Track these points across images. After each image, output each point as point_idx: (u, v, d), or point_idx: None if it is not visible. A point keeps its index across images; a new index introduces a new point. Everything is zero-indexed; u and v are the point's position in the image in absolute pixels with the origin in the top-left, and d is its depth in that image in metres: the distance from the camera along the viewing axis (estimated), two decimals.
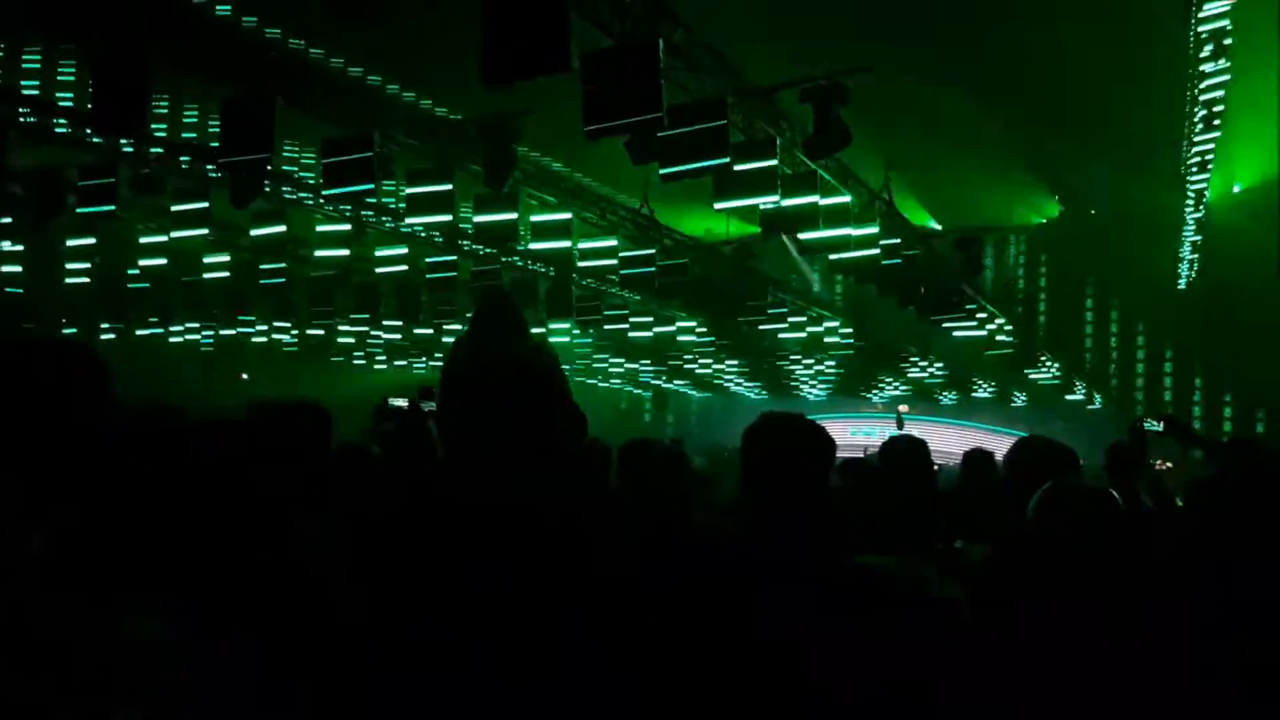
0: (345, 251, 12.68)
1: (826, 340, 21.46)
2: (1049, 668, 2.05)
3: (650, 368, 30.02)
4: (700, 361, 28.58)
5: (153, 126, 9.81)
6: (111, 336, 21.17)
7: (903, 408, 33.98)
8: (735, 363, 28.20)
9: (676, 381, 33.78)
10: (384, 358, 26.87)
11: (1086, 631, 2.09)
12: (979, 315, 18.26)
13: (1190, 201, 20.64)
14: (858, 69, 8.59)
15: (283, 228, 11.74)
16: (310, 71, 9.76)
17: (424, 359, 26.41)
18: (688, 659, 2.09)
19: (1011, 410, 35.33)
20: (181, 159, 11.19)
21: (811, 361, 28.41)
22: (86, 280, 14.79)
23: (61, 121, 10.15)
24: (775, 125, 9.59)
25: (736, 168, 8.74)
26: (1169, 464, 6.77)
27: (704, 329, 21.40)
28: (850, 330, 22.13)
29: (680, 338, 21.18)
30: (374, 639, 2.26)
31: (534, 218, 12.20)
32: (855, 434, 36.05)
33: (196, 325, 21.06)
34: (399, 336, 21.50)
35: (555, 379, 4.05)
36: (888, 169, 12.89)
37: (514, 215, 11.12)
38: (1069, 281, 29.77)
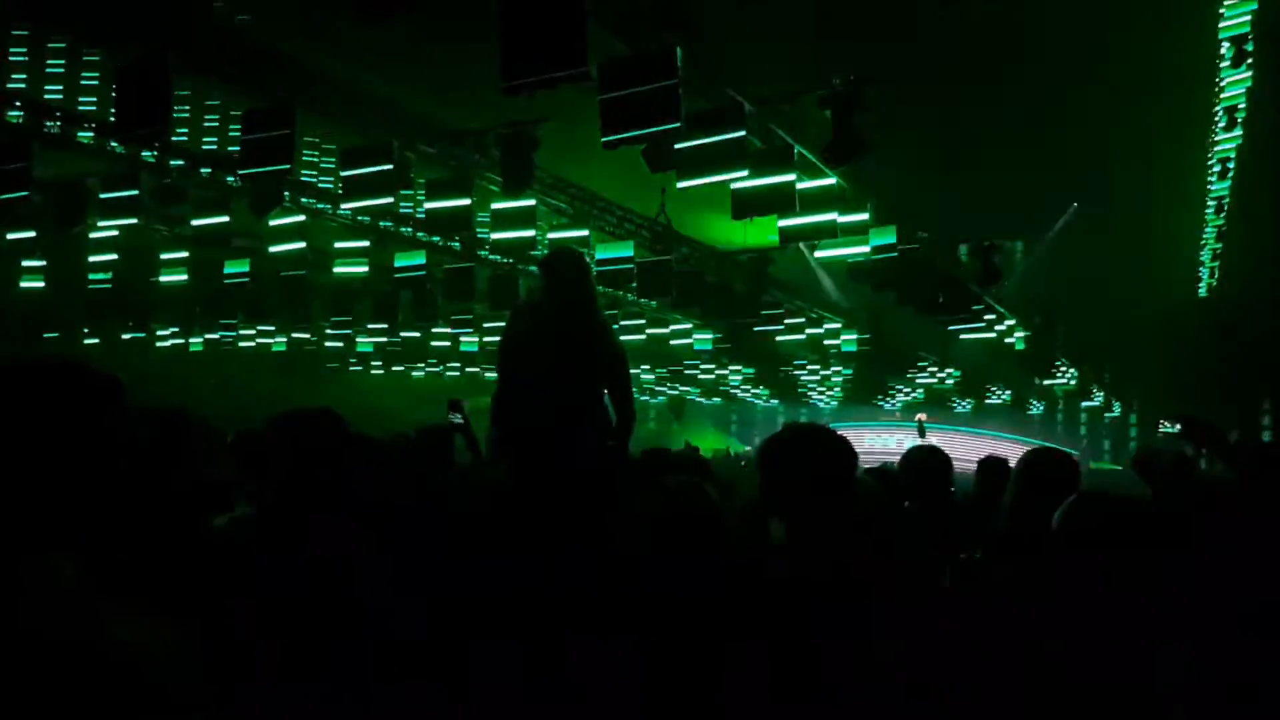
0: (364, 269, 12.70)
1: (843, 348, 21.36)
2: (1085, 667, 2.03)
3: (665, 375, 30.01)
4: (717, 373, 28.54)
5: (174, 137, 9.92)
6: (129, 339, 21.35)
7: (921, 416, 33.78)
8: (750, 371, 28.11)
9: (681, 386, 33.72)
10: (401, 367, 27.02)
11: (1120, 635, 2.07)
12: (997, 325, 18.17)
13: (1210, 208, 20.47)
14: (878, 76, 8.57)
15: (302, 244, 11.83)
16: (329, 81, 9.83)
17: (439, 366, 26.52)
18: (708, 662, 2.08)
19: (1027, 418, 35.13)
20: (202, 169, 11.28)
21: (826, 369, 28.29)
22: (108, 285, 14.83)
23: (86, 133, 10.25)
24: (793, 133, 9.58)
25: (753, 177, 8.75)
26: None
27: (719, 336, 21.38)
28: (867, 338, 22.03)
29: (697, 346, 21.14)
30: (392, 634, 2.27)
31: (551, 234, 12.20)
32: (872, 442, 35.93)
33: (216, 336, 21.15)
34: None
35: (625, 367, 4.04)
36: (904, 174, 12.85)
37: (531, 232, 11.14)
38: (1088, 288, 29.58)
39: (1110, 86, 16.36)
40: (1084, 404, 32.27)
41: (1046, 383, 26.63)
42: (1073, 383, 27.44)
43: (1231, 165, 16.27)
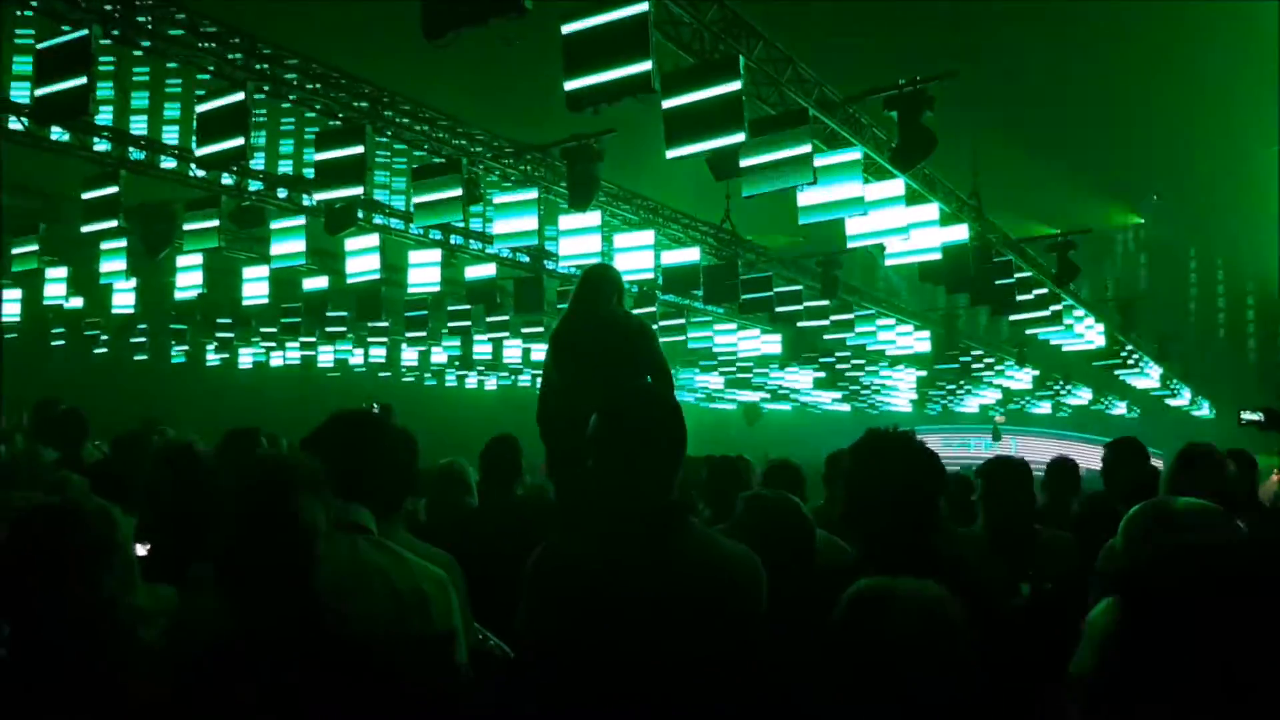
0: (436, 287, 12.82)
1: (916, 351, 20.89)
2: None
3: (733, 379, 29.80)
4: (787, 376, 28.24)
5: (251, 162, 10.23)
6: (216, 362, 22.02)
7: (999, 418, 33.04)
8: (821, 374, 27.75)
9: (752, 393, 33.44)
10: (474, 378, 27.42)
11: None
12: (1076, 322, 17.62)
13: None
14: (944, 74, 8.42)
15: (378, 263, 12.06)
16: (398, 101, 10.04)
17: (510, 377, 26.83)
18: (799, 680, 2.05)
19: (1109, 418, 34.02)
20: (279, 190, 11.61)
21: (899, 373, 27.79)
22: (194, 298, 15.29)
23: (170, 158, 10.65)
24: (858, 135, 9.46)
25: (819, 180, 8.65)
26: None
27: (786, 341, 21.20)
28: (941, 339, 21.58)
29: (765, 350, 20.94)
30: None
31: (618, 253, 12.13)
32: (948, 445, 35.22)
33: (297, 347, 21.65)
34: (489, 355, 21.88)
35: (648, 339, 4.36)
36: (976, 173, 12.56)
37: (598, 241, 11.17)
38: (1170, 282, 28.64)
39: (1190, 76, 15.86)
40: (1169, 403, 31.13)
41: (1128, 379, 25.71)
42: (1156, 380, 26.47)
43: None
